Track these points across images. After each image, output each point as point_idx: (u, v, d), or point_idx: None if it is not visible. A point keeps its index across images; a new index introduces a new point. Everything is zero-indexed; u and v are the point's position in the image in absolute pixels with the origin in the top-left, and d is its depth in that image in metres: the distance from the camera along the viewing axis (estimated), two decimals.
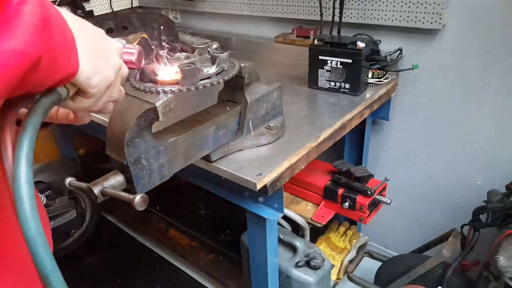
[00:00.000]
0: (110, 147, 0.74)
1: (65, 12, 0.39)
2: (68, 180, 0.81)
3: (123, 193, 0.67)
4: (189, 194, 2.20)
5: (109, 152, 0.75)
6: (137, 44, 0.63)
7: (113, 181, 0.73)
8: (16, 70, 0.31)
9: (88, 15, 2.07)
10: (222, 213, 2.06)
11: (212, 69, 0.74)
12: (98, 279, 1.99)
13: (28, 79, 0.33)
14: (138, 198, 0.64)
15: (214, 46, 1.77)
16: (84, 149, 2.36)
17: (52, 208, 1.77)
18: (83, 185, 0.73)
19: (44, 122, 0.64)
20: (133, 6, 2.30)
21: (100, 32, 0.46)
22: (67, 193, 1.80)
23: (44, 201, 1.75)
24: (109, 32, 1.82)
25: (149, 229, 2.11)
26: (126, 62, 0.52)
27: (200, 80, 0.73)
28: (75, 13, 1.99)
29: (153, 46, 0.70)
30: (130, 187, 0.75)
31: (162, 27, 1.54)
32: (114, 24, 1.82)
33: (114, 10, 2.21)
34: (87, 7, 2.09)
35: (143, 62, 0.56)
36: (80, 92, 0.43)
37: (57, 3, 1.95)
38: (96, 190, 0.70)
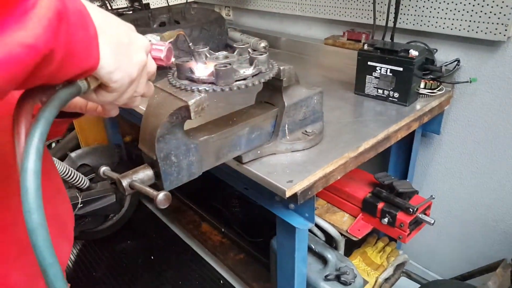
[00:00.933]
0: (143, 141, 0.74)
1: (91, 7, 0.39)
2: (103, 169, 0.83)
3: (148, 189, 0.67)
4: (225, 189, 2.21)
5: (141, 146, 0.75)
6: (173, 40, 0.62)
7: (142, 175, 0.73)
8: (25, 62, 0.30)
9: (145, 8, 2.13)
10: (255, 213, 2.04)
11: (249, 71, 0.72)
12: (131, 264, 2.06)
13: (41, 72, 0.33)
14: (161, 195, 0.64)
15: (262, 44, 1.76)
16: (130, 136, 2.44)
17: (93, 191, 1.85)
18: (114, 175, 0.75)
19: (76, 113, 0.66)
20: (188, 1, 2.33)
21: (129, 28, 0.46)
22: (109, 178, 1.87)
23: (87, 184, 1.82)
24: (162, 25, 1.86)
25: (184, 221, 2.15)
26: (155, 59, 0.52)
27: (236, 81, 0.71)
28: (132, 5, 2.06)
29: (190, 44, 0.69)
30: (158, 182, 0.75)
31: (212, 23, 1.54)
32: (167, 18, 1.85)
33: (170, 4, 2.26)
34: (144, 0, 2.16)
35: (172, 59, 0.55)
36: (103, 86, 0.43)
37: None
38: (125, 182, 0.71)
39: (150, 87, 0.53)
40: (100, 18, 0.40)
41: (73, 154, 1.97)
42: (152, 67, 0.51)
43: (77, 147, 2.19)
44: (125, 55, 0.43)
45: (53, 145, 2.28)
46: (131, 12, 2.07)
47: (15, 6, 0.29)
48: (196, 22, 1.63)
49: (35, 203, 0.33)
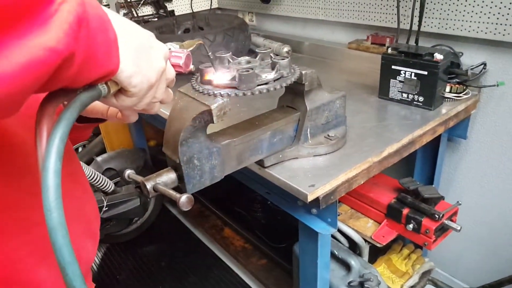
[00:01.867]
0: (166, 145, 0.76)
1: (112, 14, 0.41)
2: (128, 172, 0.85)
3: (171, 191, 0.68)
4: (247, 194, 2.21)
5: (165, 149, 0.76)
6: (194, 48, 0.63)
7: (166, 178, 0.75)
8: (47, 65, 0.31)
9: (170, 15, 2.18)
10: (278, 218, 2.03)
11: (271, 75, 0.72)
12: (154, 268, 2.08)
13: (63, 75, 0.34)
14: (184, 198, 0.64)
15: (285, 49, 1.76)
16: (155, 141, 2.48)
17: (118, 195, 1.88)
18: (139, 178, 0.76)
19: (99, 118, 0.69)
20: (212, 7, 2.37)
21: (148, 35, 0.47)
22: (134, 181, 1.91)
23: (112, 188, 1.86)
24: (186, 32, 1.89)
25: (206, 225, 2.16)
26: (174, 65, 0.53)
27: (258, 85, 0.71)
28: (157, 12, 2.11)
29: (209, 53, 0.70)
30: (181, 185, 0.76)
31: (235, 29, 1.56)
32: (191, 25, 1.88)
33: (194, 10, 2.30)
34: (169, 7, 2.20)
35: (191, 66, 0.56)
36: (123, 90, 0.45)
37: (142, 2, 2.08)
38: (149, 185, 0.72)
39: (169, 93, 0.54)
40: (120, 24, 0.41)
41: (99, 158, 2.02)
42: (171, 73, 0.52)
43: (103, 151, 2.25)
44: (144, 60, 0.44)
45: (80, 149, 2.35)
46: (156, 19, 2.12)
47: (39, 13, 0.31)
48: (220, 28, 1.65)
49: (54, 202, 0.34)
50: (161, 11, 2.15)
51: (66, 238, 0.34)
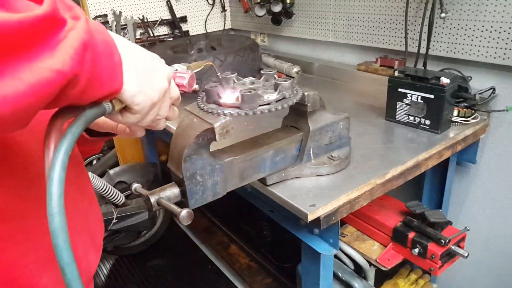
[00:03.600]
0: (171, 161, 0.78)
1: (119, 39, 0.45)
2: (135, 186, 0.88)
3: (173, 205, 0.70)
4: (254, 211, 2.21)
5: (169, 164, 0.79)
6: (203, 69, 0.66)
7: (169, 193, 0.77)
8: (53, 85, 0.35)
9: (184, 35, 2.24)
10: (284, 237, 2.02)
11: (273, 96, 0.75)
12: (160, 282, 2.09)
13: (68, 93, 0.38)
14: (184, 212, 0.66)
15: (295, 70, 1.79)
16: (166, 155, 2.52)
17: (128, 207, 1.91)
18: (144, 192, 0.78)
19: (109, 133, 0.72)
20: (226, 28, 2.43)
21: (153, 57, 0.51)
22: (140, 194, 1.94)
23: (123, 200, 1.89)
24: (199, 51, 1.94)
25: (213, 241, 2.17)
26: (178, 85, 0.56)
27: (260, 105, 0.73)
28: (173, 32, 2.18)
29: (218, 73, 0.73)
30: (184, 200, 0.78)
31: (245, 49, 1.60)
32: (204, 45, 1.93)
33: (208, 31, 2.37)
34: (184, 27, 2.27)
35: (195, 86, 0.59)
36: (127, 108, 0.48)
37: (158, 23, 2.15)
38: (153, 199, 0.75)
39: (174, 111, 0.58)
40: (126, 48, 0.45)
41: (111, 171, 2.06)
42: (175, 92, 0.56)
43: (116, 164, 2.29)
44: (147, 81, 0.48)
45: (94, 162, 2.41)
46: (171, 38, 2.19)
47: (49, 38, 0.35)
48: (231, 48, 1.69)
49: (57, 208, 0.37)
50: (176, 31, 2.22)
51: (66, 241, 0.37)
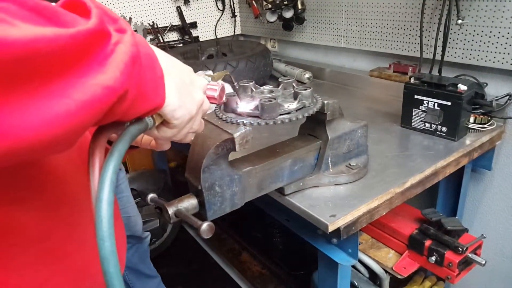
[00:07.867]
0: (189, 171, 0.77)
1: (158, 51, 0.43)
2: (150, 196, 0.86)
3: (193, 218, 0.69)
4: (266, 219, 2.20)
5: (187, 175, 0.78)
6: (221, 80, 0.65)
7: (187, 204, 0.76)
8: (104, 102, 0.34)
9: (194, 41, 2.24)
10: (297, 245, 2.00)
11: (293, 105, 0.74)
12: None
13: (116, 110, 0.36)
14: (205, 225, 0.65)
15: (307, 75, 1.78)
16: (175, 162, 2.52)
17: None
18: (161, 203, 0.77)
19: (132, 146, 0.71)
20: (236, 34, 2.43)
21: (189, 70, 0.50)
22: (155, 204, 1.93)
23: None
24: (210, 58, 1.94)
25: (224, 249, 2.15)
26: (208, 98, 0.55)
27: (280, 115, 0.72)
28: (183, 38, 2.17)
29: (235, 83, 0.72)
30: (202, 211, 0.77)
31: (257, 56, 1.59)
32: (215, 51, 1.93)
33: (218, 37, 2.36)
34: (194, 33, 2.27)
35: (224, 98, 0.58)
36: (165, 122, 0.47)
37: (168, 28, 2.15)
38: (171, 210, 0.73)
39: (202, 124, 0.56)
40: (166, 60, 0.44)
41: None
42: (207, 105, 0.54)
43: (125, 171, 2.29)
44: (187, 94, 0.47)
45: None
46: (181, 44, 2.19)
47: (97, 53, 0.33)
48: (242, 54, 1.69)
49: (108, 232, 0.35)
50: (186, 37, 2.22)
51: (117, 267, 0.35)
